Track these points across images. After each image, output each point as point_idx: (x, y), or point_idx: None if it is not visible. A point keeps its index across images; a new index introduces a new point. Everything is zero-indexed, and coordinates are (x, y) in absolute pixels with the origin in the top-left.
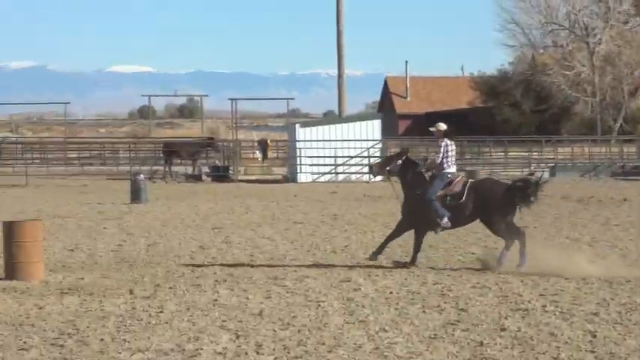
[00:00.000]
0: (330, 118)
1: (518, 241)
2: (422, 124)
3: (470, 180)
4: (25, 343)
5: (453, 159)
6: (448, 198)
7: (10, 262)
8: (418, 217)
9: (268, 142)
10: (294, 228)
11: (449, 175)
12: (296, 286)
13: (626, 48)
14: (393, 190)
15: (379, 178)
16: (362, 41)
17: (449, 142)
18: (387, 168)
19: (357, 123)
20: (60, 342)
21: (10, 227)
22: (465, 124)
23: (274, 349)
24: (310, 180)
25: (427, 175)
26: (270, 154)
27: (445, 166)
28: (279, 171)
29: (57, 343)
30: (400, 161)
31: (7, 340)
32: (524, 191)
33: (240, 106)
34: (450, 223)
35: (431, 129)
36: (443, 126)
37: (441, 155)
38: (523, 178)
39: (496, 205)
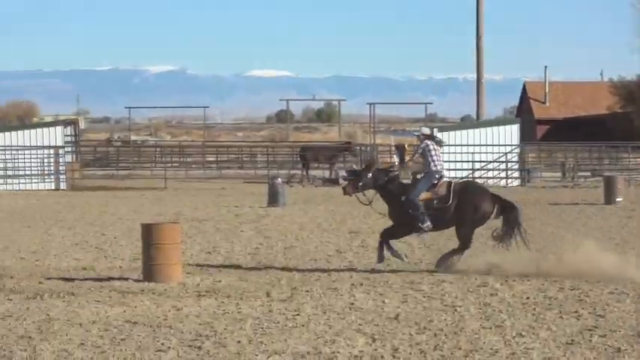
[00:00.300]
0: (467, 122)
1: (457, 249)
2: (560, 130)
3: (453, 182)
4: (162, 344)
5: (438, 159)
6: (435, 201)
7: (148, 264)
8: (405, 218)
9: (406, 146)
10: (432, 233)
11: (436, 175)
12: (432, 290)
13: None
14: (368, 206)
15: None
16: (501, 46)
17: (429, 142)
18: (360, 184)
19: (495, 127)
20: (197, 344)
21: (148, 229)
22: (604, 130)
23: (410, 353)
24: None
25: (415, 176)
26: (407, 158)
27: (432, 166)
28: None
29: (194, 344)
30: (370, 174)
31: (145, 342)
32: (506, 212)
33: (378, 111)
34: (431, 226)
35: (415, 133)
36: (426, 130)
37: (420, 155)
38: (511, 202)
39: (473, 209)
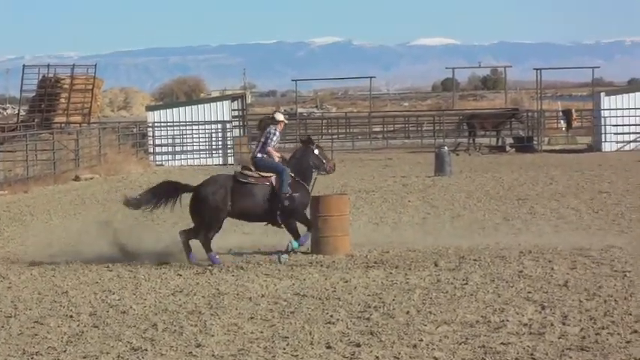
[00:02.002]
0: (635, 85)
1: None
2: None
3: None
4: (331, 316)
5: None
6: None
7: (316, 236)
8: None
9: (573, 111)
10: (599, 197)
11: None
12: (602, 256)
13: None
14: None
15: None
16: None
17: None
18: None
19: None
20: (366, 315)
21: (317, 201)
22: None
23: (580, 320)
24: (615, 149)
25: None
26: (575, 123)
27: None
28: (584, 140)
29: (363, 316)
30: None
31: (313, 314)
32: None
33: (544, 76)
34: None
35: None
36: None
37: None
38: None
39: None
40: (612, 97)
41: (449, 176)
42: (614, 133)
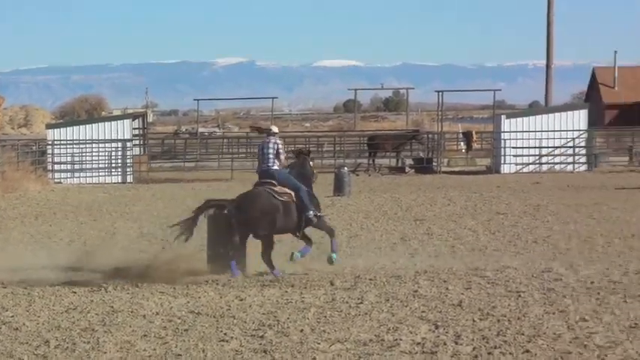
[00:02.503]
0: (535, 108)
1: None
2: (629, 114)
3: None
4: (225, 334)
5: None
6: None
7: (213, 254)
8: None
9: (473, 133)
10: (496, 219)
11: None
12: (497, 276)
13: None
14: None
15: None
16: (571, 32)
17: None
18: None
19: (563, 113)
20: (260, 333)
21: (215, 220)
22: None
23: (473, 340)
24: (514, 171)
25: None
26: (475, 145)
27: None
28: (483, 162)
29: (257, 334)
30: None
31: (207, 332)
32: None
33: (446, 98)
34: None
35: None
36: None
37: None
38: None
39: None
40: (512, 120)
41: (348, 196)
42: (514, 155)
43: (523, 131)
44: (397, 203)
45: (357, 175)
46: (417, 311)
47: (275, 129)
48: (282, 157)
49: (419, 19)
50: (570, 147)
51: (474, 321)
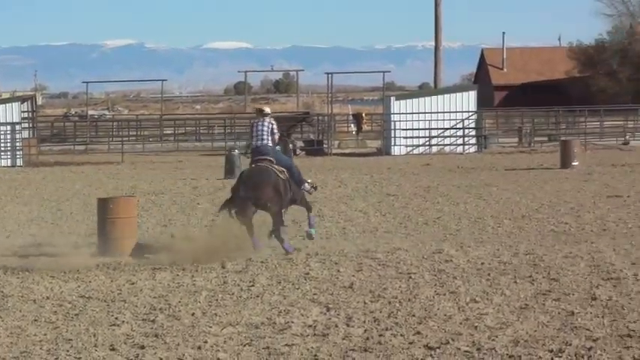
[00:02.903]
0: (425, 90)
1: None
2: (518, 95)
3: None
4: (116, 319)
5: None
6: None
7: (103, 238)
8: None
9: (363, 115)
10: (387, 200)
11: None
12: (388, 258)
13: None
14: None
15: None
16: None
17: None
18: None
19: (453, 94)
20: (151, 317)
21: (104, 204)
22: (561, 94)
23: (364, 322)
24: (404, 152)
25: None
26: (365, 127)
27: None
28: (374, 144)
29: (148, 318)
30: None
31: (98, 316)
32: None
33: (336, 80)
34: None
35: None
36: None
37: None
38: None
39: None
40: (402, 102)
41: None
42: (404, 137)
43: (413, 113)
44: None
45: (248, 157)
46: (308, 294)
47: (268, 109)
48: (276, 136)
49: (309, 1)
50: (460, 128)
51: (365, 303)
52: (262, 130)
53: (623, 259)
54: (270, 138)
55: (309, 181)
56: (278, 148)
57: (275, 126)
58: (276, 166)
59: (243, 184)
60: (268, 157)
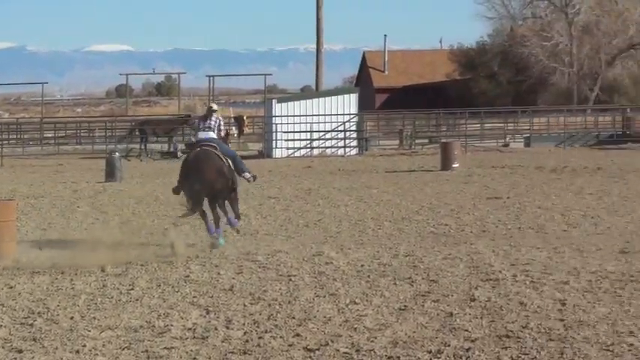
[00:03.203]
0: (306, 93)
1: None
2: (399, 98)
3: None
4: None
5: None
6: None
7: None
8: None
9: (244, 118)
10: (268, 203)
11: None
12: (268, 260)
13: (604, 17)
14: None
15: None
16: (341, 15)
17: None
18: None
19: (334, 97)
20: (29, 321)
21: None
22: (443, 97)
23: (244, 324)
24: (286, 155)
25: None
26: (247, 130)
27: None
28: (255, 146)
29: (26, 322)
30: None
31: None
32: None
33: (218, 83)
34: None
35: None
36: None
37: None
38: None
39: None
40: (284, 104)
41: (119, 182)
42: (285, 140)
43: (294, 115)
44: (169, 188)
45: (129, 160)
46: (188, 296)
47: (215, 106)
48: (222, 133)
49: (190, 3)
50: (341, 131)
51: (245, 305)
52: (210, 126)
53: (502, 260)
54: (216, 132)
55: (250, 171)
56: None
57: (222, 122)
58: (218, 152)
59: (188, 168)
60: (212, 144)
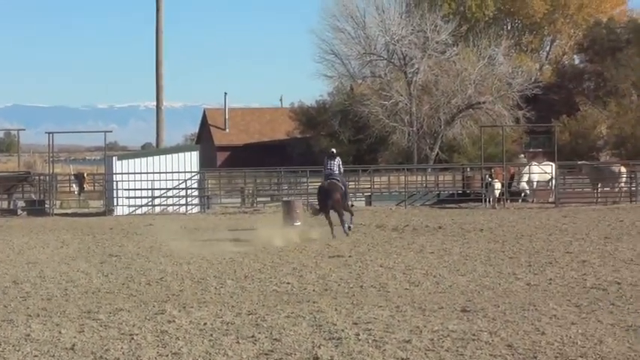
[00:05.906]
0: (147, 150)
1: None
2: (241, 155)
3: None
4: None
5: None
6: None
7: None
8: None
9: (85, 175)
10: (110, 261)
11: None
12: (110, 319)
13: (443, 77)
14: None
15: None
16: (181, 73)
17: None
18: None
19: (175, 155)
20: None
21: None
22: (284, 155)
23: None
24: (127, 212)
25: None
26: (88, 187)
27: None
28: (96, 204)
29: None
30: None
31: None
32: None
33: (58, 140)
34: None
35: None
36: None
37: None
38: None
39: None
40: (124, 161)
41: None
42: (126, 197)
43: (135, 173)
44: (9, 246)
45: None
46: (29, 356)
47: (334, 151)
48: (342, 169)
49: (30, 59)
50: (183, 188)
51: None
52: (333, 165)
53: (345, 318)
54: (338, 171)
55: (351, 198)
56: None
57: (341, 162)
58: (340, 183)
59: (324, 191)
60: (336, 178)
